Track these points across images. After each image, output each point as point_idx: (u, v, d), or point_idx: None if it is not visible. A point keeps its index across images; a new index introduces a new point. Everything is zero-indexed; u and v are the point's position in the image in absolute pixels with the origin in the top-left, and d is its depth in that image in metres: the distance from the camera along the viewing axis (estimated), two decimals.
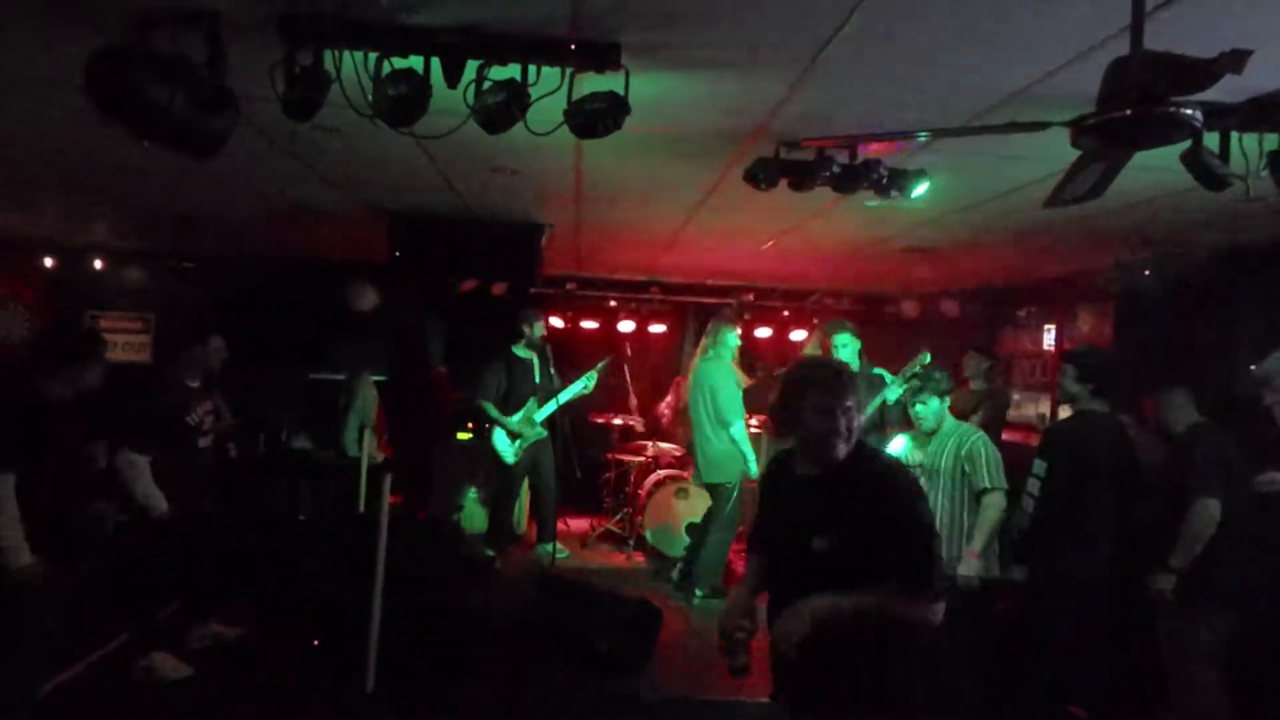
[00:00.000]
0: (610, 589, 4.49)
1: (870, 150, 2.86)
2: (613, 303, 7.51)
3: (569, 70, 2.12)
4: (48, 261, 6.43)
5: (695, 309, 7.73)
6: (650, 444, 6.63)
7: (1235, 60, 1.27)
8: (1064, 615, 3.23)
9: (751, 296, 7.46)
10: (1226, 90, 1.91)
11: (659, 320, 7.68)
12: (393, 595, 3.59)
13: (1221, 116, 1.88)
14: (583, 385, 5.78)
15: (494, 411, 5.55)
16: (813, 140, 2.58)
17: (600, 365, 5.94)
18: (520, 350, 5.76)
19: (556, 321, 7.35)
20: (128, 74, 1.86)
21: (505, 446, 5.59)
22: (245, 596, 4.51)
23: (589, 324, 7.53)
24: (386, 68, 2.07)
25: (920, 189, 2.91)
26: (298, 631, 3.91)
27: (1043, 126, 1.81)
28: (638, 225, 4.78)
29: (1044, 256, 5.13)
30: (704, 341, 5.31)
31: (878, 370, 5.60)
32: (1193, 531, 2.98)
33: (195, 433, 3.83)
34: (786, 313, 7.68)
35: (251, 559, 4.93)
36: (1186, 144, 2.21)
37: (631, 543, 6.14)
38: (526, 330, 5.72)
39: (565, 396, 5.67)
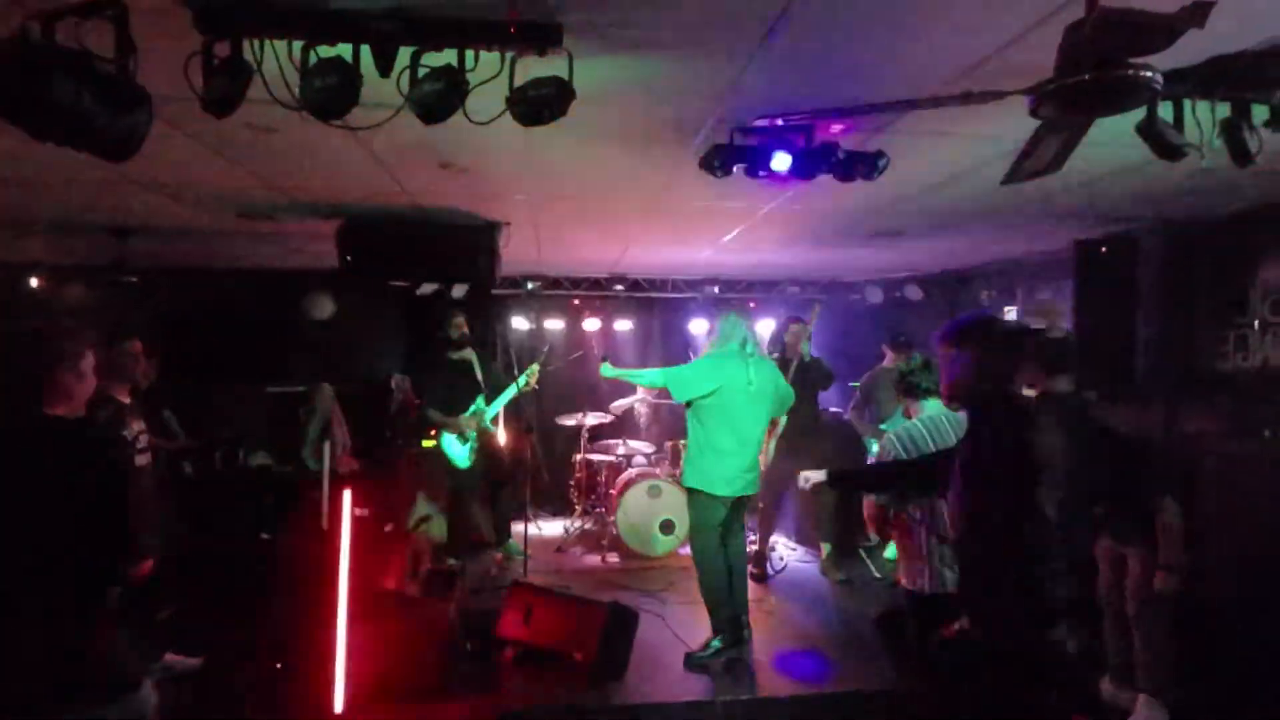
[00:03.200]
0: (584, 594, 4.41)
1: (828, 134, 2.81)
2: (576, 301, 7.41)
3: (509, 55, 2.02)
4: None
5: (661, 305, 7.66)
6: (622, 443, 6.55)
7: (1197, 13, 1.22)
8: None
9: (717, 289, 7.43)
10: (1178, 57, 1.88)
11: (625, 317, 7.59)
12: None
13: (1177, 82, 1.84)
14: (524, 381, 5.55)
15: (440, 416, 5.47)
16: (765, 119, 2.50)
17: (538, 361, 5.79)
18: (453, 354, 5.65)
19: (521, 322, 7.23)
20: (24, 70, 1.71)
21: (456, 452, 5.50)
22: (203, 623, 4.32)
23: (553, 323, 7.42)
24: (313, 57, 1.95)
25: None
26: (261, 655, 3.75)
27: (999, 96, 1.76)
28: (597, 220, 4.68)
29: (1004, 237, 5.15)
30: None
31: (818, 358, 5.62)
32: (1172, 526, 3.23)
33: (130, 449, 3.56)
34: (753, 304, 7.65)
35: (209, 582, 4.75)
36: (1141, 115, 2.19)
37: (605, 543, 6.05)
38: (443, 333, 5.64)
39: (505, 397, 5.59)
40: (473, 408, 5.53)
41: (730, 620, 4.03)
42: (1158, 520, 3.29)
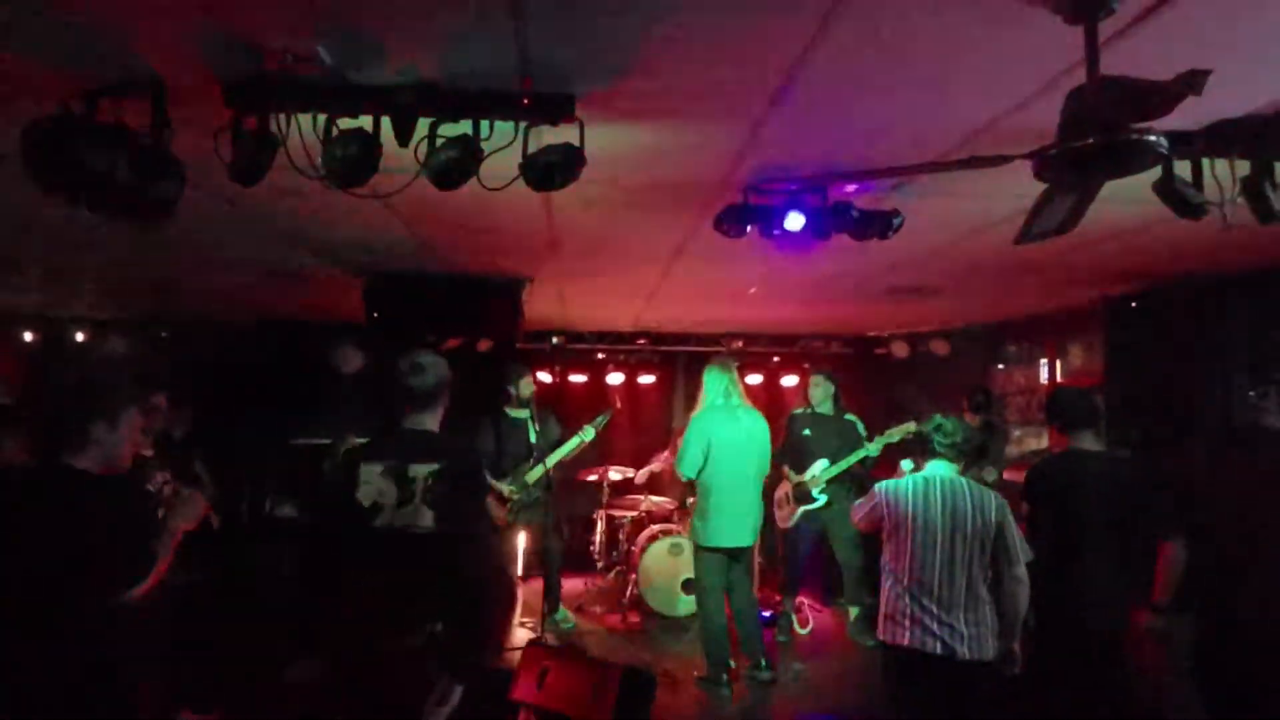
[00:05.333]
0: (603, 655, 4.30)
1: (841, 194, 2.83)
2: (600, 355, 7.44)
3: (523, 124, 2.09)
4: (28, 335, 6.39)
5: (685, 358, 7.66)
6: (644, 498, 6.46)
7: (1193, 81, 1.22)
8: (1067, 666, 3.04)
9: (740, 343, 7.41)
10: (1190, 117, 1.87)
11: (648, 371, 7.60)
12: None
13: (1185, 144, 1.82)
14: (578, 441, 5.28)
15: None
16: (775, 184, 2.53)
17: (600, 418, 5.42)
18: (512, 411, 5.33)
19: (544, 376, 7.26)
20: (65, 143, 1.82)
21: (497, 513, 5.39)
22: (222, 680, 4.29)
23: (577, 377, 7.45)
24: (335, 129, 2.03)
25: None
26: (279, 713, 3.71)
27: (1004, 160, 1.76)
28: (617, 276, 4.74)
29: (1029, 293, 5.09)
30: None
31: (850, 417, 5.42)
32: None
33: (154, 501, 3.63)
34: (777, 358, 7.62)
35: (230, 637, 4.73)
36: (1158, 173, 2.18)
37: (626, 602, 5.92)
38: (513, 390, 5.28)
39: (562, 453, 5.26)
40: (513, 475, 5.18)
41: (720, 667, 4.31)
42: (1160, 560, 3.07)
